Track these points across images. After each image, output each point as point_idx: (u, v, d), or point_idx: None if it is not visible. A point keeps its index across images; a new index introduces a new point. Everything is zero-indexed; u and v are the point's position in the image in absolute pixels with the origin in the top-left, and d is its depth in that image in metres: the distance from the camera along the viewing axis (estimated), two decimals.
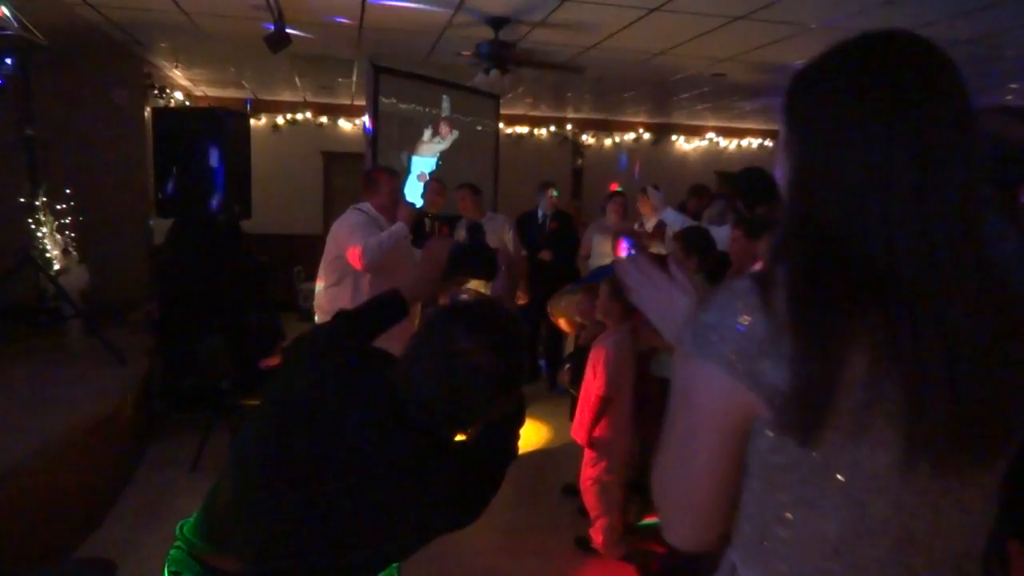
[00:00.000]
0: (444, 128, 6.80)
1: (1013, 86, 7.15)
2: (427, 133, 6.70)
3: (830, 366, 0.73)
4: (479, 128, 7.19)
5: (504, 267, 1.70)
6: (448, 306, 1.35)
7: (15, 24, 3.96)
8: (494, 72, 5.14)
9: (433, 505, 1.26)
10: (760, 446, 0.80)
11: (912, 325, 0.74)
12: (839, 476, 0.77)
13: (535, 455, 4.45)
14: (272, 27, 4.63)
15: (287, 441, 1.26)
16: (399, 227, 3.48)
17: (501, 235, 5.00)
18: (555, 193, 6.09)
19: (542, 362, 6.18)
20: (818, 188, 0.81)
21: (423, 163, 6.67)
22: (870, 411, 0.74)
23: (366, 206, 3.67)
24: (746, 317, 0.77)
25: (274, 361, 4.27)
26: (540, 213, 6.05)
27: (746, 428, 0.81)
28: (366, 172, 4.29)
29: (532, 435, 4.75)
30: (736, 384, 0.77)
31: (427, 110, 6.64)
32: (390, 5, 4.77)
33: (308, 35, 5.51)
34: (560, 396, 5.33)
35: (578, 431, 3.24)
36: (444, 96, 6.74)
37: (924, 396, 0.73)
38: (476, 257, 1.74)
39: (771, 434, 0.79)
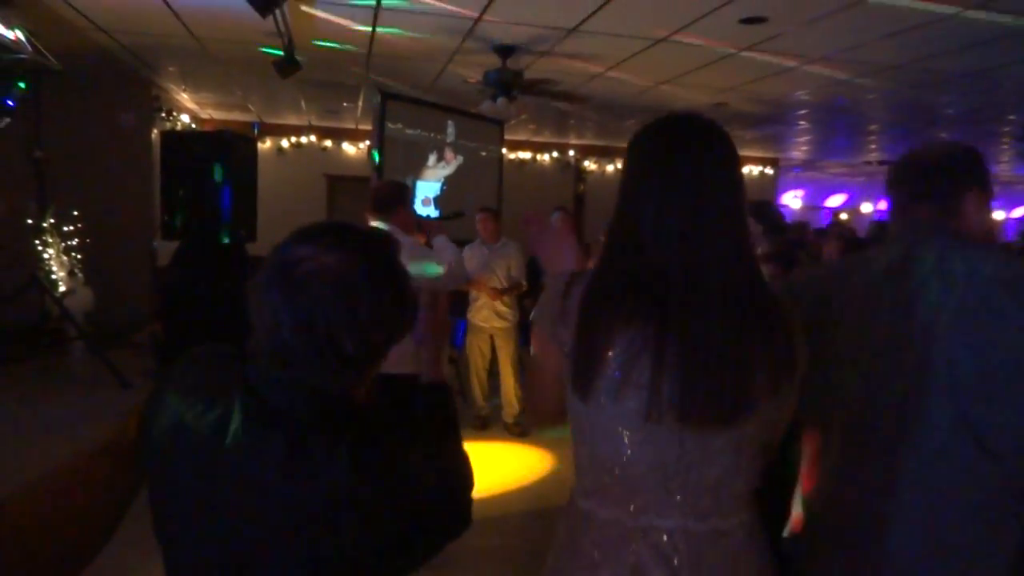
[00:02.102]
0: (449, 154, 6.85)
1: (1011, 117, 7.25)
2: (432, 159, 6.75)
3: (595, 346, 1.08)
4: (483, 154, 7.25)
5: (426, 308, 1.33)
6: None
7: (29, 49, 4.01)
8: (501, 100, 5.20)
9: (320, 536, 0.91)
10: (574, 405, 1.15)
11: (661, 329, 1.04)
12: (603, 420, 1.10)
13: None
14: (282, 53, 4.69)
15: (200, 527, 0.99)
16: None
17: (509, 263, 5.01)
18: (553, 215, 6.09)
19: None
20: (621, 221, 1.13)
21: (428, 188, 6.71)
22: (624, 382, 1.07)
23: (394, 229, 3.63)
24: (558, 302, 1.14)
25: None
26: None
27: (560, 370, 1.16)
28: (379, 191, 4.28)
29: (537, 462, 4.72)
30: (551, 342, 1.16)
31: (432, 136, 6.70)
32: (399, 33, 4.84)
33: (317, 61, 5.58)
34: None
35: None
36: (449, 122, 6.80)
37: (677, 369, 1.04)
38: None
39: (573, 397, 1.13)
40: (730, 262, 1.08)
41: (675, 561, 1.09)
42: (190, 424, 1.01)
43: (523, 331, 5.88)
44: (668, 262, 1.07)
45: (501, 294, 4.96)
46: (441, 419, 1.26)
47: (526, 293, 5.48)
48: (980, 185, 1.38)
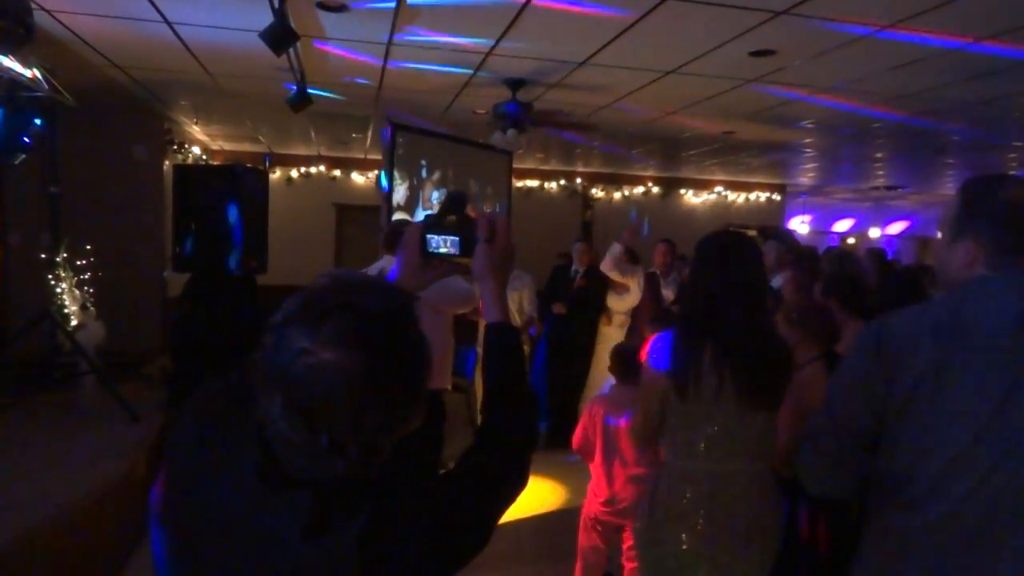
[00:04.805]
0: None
1: (1017, 144, 7.25)
2: (438, 193, 6.77)
3: (692, 359, 1.95)
4: (491, 184, 7.28)
5: (485, 240, 1.25)
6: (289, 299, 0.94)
7: (45, 86, 4.06)
8: (511, 132, 5.23)
9: None
10: (672, 404, 2.01)
11: (725, 350, 1.94)
12: (696, 407, 1.96)
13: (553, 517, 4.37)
14: (294, 87, 4.74)
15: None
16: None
17: (521, 296, 5.00)
18: (577, 245, 6.11)
19: (543, 424, 5.80)
20: (693, 295, 2.16)
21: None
22: (710, 383, 1.94)
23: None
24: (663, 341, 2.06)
25: None
26: (573, 268, 6.04)
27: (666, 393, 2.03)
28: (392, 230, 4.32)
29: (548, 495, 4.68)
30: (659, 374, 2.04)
31: (441, 166, 6.73)
32: (410, 67, 4.89)
33: (328, 95, 5.64)
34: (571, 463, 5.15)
35: None
36: (458, 151, 6.83)
37: (731, 376, 1.93)
38: (446, 230, 1.31)
39: (674, 398, 1.99)
40: (755, 316, 2.03)
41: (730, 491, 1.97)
42: (202, 477, 0.98)
43: (537, 369, 5.83)
44: (722, 316, 1.98)
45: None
46: (510, 368, 1.18)
47: (547, 333, 5.46)
48: None
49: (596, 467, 3.20)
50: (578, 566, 3.27)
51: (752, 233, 6.21)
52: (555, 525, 4.21)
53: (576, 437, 3.23)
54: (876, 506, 1.46)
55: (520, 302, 4.96)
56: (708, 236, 2.15)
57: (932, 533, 1.33)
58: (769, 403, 1.99)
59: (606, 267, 5.33)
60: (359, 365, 0.86)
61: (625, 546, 3.17)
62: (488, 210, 6.39)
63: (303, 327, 0.87)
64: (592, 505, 3.23)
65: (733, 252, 2.05)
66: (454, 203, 1.42)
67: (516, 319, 4.97)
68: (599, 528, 3.22)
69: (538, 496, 4.63)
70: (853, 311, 3.12)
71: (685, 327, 2.04)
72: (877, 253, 5.59)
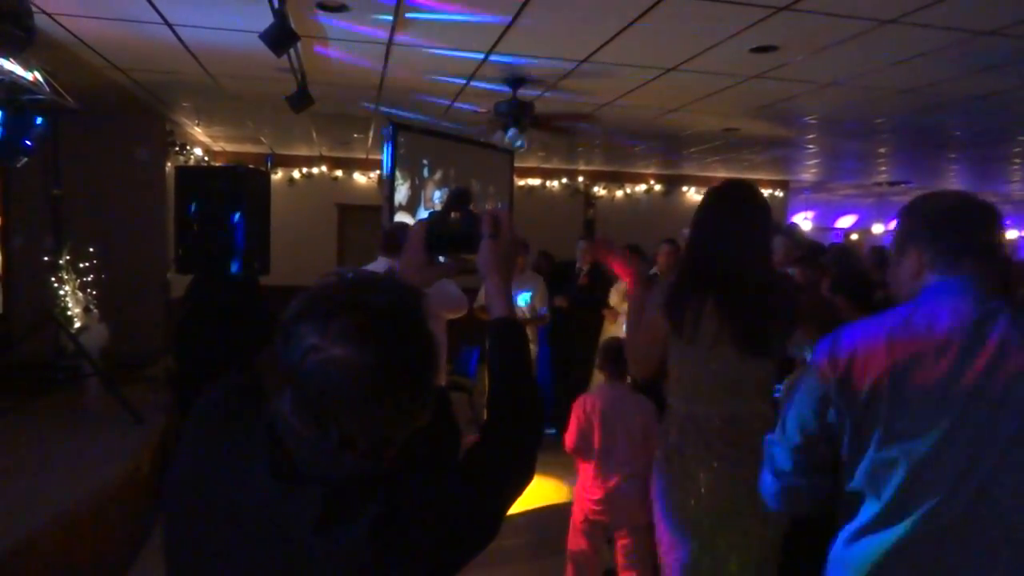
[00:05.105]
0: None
1: (1021, 138, 7.22)
2: (440, 192, 6.77)
3: (694, 307, 2.02)
4: (493, 182, 7.27)
5: (489, 236, 1.25)
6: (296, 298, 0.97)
7: (47, 89, 4.06)
8: (512, 131, 5.23)
9: None
10: (673, 346, 2.10)
11: (726, 297, 2.01)
12: (695, 350, 2.04)
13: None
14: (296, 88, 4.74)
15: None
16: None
17: (532, 296, 4.99)
18: (580, 244, 6.10)
19: (552, 430, 5.78)
20: (696, 240, 2.16)
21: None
22: (709, 328, 2.01)
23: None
24: (666, 291, 2.11)
25: None
26: (578, 265, 6.02)
27: (663, 333, 2.11)
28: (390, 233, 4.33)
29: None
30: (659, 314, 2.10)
31: (442, 165, 6.72)
32: (411, 69, 4.88)
33: (329, 95, 5.63)
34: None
35: None
36: (460, 151, 6.83)
37: (729, 323, 2.00)
38: (451, 226, 1.32)
39: (674, 340, 2.08)
40: (760, 267, 2.08)
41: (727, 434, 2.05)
42: (214, 474, 0.99)
43: (542, 365, 5.82)
44: (727, 267, 2.03)
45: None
46: (515, 362, 1.19)
47: (550, 329, 5.45)
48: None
49: (589, 466, 3.12)
50: (569, 568, 3.21)
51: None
52: (553, 520, 4.21)
53: (570, 436, 3.12)
54: (844, 529, 1.40)
55: (531, 302, 4.95)
56: (716, 185, 2.24)
57: (905, 554, 1.28)
58: (768, 351, 2.05)
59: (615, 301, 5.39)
60: (368, 360, 0.87)
61: (620, 557, 3.12)
62: (490, 207, 6.40)
63: (312, 324, 0.89)
64: (582, 505, 3.14)
65: (738, 202, 2.11)
66: (457, 200, 1.42)
67: (524, 315, 4.96)
68: (589, 530, 3.15)
69: (540, 491, 4.63)
70: (861, 308, 3.11)
71: (686, 272, 2.11)
72: (880, 250, 5.57)
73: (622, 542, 3.11)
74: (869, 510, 1.33)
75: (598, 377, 4.95)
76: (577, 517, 3.18)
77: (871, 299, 3.21)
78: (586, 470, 3.14)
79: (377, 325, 0.89)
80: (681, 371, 2.11)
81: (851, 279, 3.27)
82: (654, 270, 5.61)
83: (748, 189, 2.20)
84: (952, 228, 1.36)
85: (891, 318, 1.36)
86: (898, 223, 1.47)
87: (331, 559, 0.88)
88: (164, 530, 1.06)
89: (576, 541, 3.18)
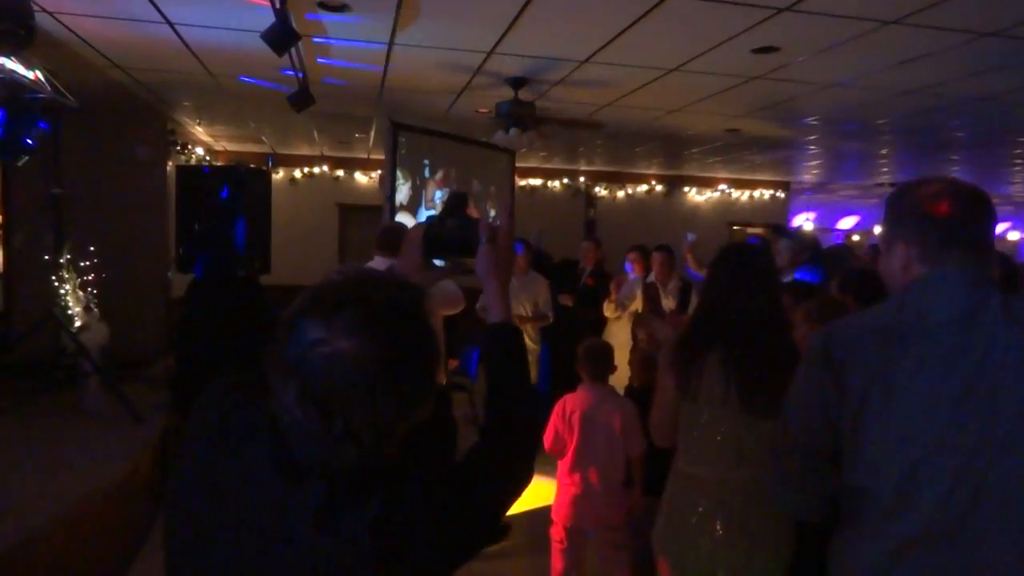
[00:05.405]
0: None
1: (1021, 139, 7.21)
2: (440, 192, 6.76)
3: (696, 364, 2.06)
4: (494, 182, 7.26)
5: (487, 240, 1.26)
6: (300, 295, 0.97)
7: (48, 88, 4.06)
8: (514, 130, 5.22)
9: None
10: (681, 411, 2.12)
11: (732, 353, 2.03)
12: (699, 413, 2.06)
13: None
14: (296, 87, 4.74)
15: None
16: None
17: (536, 296, 4.99)
18: (583, 244, 6.08)
19: None
20: (707, 295, 2.20)
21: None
22: (713, 384, 2.03)
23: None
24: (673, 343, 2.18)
25: None
26: (581, 264, 5.99)
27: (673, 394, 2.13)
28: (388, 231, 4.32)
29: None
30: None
31: (443, 165, 6.72)
32: (412, 66, 4.88)
33: (330, 95, 5.63)
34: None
35: None
36: (461, 150, 6.82)
37: (734, 382, 2.01)
38: (449, 231, 1.32)
39: (682, 399, 2.09)
40: (771, 322, 2.10)
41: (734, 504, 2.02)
42: (216, 469, 1.00)
43: (543, 363, 5.82)
44: (736, 320, 2.06)
45: (523, 322, 4.93)
46: (512, 366, 1.20)
47: (553, 327, 5.43)
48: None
49: (564, 464, 3.07)
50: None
51: (763, 232, 6.21)
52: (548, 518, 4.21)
53: (548, 436, 3.07)
54: (844, 531, 1.39)
55: (535, 302, 4.94)
56: (726, 247, 2.32)
57: (905, 554, 1.26)
58: (776, 412, 1.94)
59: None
60: (373, 353, 0.89)
61: (597, 557, 3.11)
62: (492, 212, 6.40)
63: (317, 318, 0.90)
64: (560, 511, 3.08)
65: (746, 266, 2.15)
66: (455, 204, 1.44)
67: (527, 313, 4.95)
68: (569, 546, 3.08)
69: (539, 491, 4.62)
70: (870, 306, 3.10)
71: (695, 333, 2.13)
72: (877, 247, 5.56)
73: (598, 540, 3.10)
74: (869, 510, 1.33)
75: None
76: (556, 534, 3.11)
77: (880, 297, 3.20)
78: (562, 470, 3.11)
79: (381, 318, 0.91)
80: (689, 434, 2.11)
81: (861, 278, 3.26)
82: (651, 278, 5.57)
83: (756, 250, 2.32)
84: (936, 220, 1.32)
85: (882, 311, 1.36)
86: (884, 214, 1.45)
87: (332, 554, 0.89)
88: (165, 527, 1.06)
89: (560, 561, 3.11)
